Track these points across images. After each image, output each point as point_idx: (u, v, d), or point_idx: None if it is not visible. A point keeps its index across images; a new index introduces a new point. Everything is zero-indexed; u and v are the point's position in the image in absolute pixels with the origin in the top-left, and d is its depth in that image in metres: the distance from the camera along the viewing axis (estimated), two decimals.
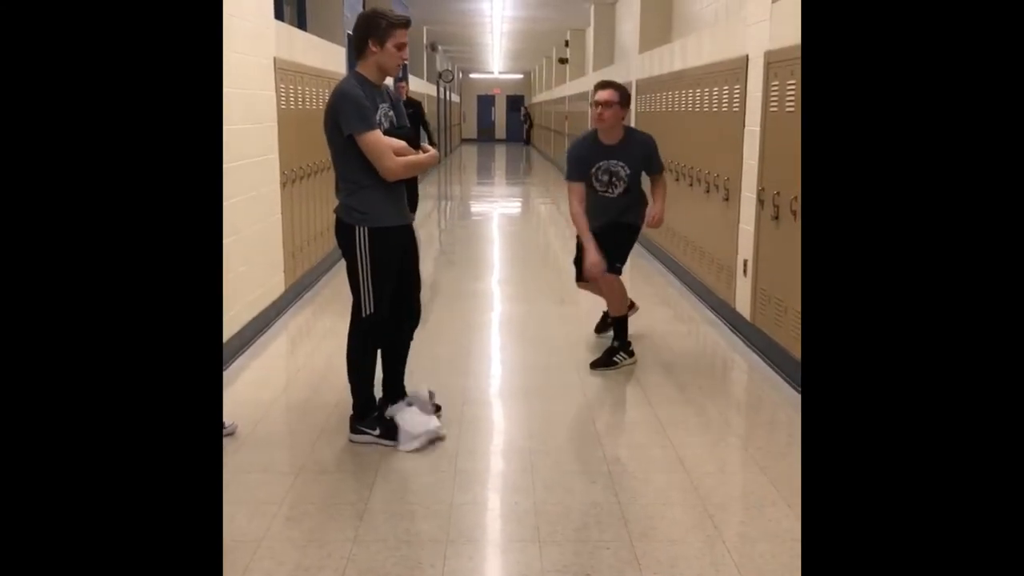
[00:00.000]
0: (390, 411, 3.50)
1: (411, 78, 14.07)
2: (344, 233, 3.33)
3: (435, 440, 3.42)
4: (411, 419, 3.44)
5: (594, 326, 5.18)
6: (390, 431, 3.42)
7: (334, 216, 3.39)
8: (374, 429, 3.43)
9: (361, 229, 3.29)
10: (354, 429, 3.46)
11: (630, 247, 4.63)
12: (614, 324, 4.64)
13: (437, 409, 3.64)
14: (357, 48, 3.36)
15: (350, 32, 9.35)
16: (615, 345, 4.55)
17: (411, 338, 3.68)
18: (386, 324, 3.44)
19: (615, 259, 4.48)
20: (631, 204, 4.51)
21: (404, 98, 8.95)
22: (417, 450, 3.35)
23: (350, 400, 3.49)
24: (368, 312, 3.35)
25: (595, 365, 4.50)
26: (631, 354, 4.56)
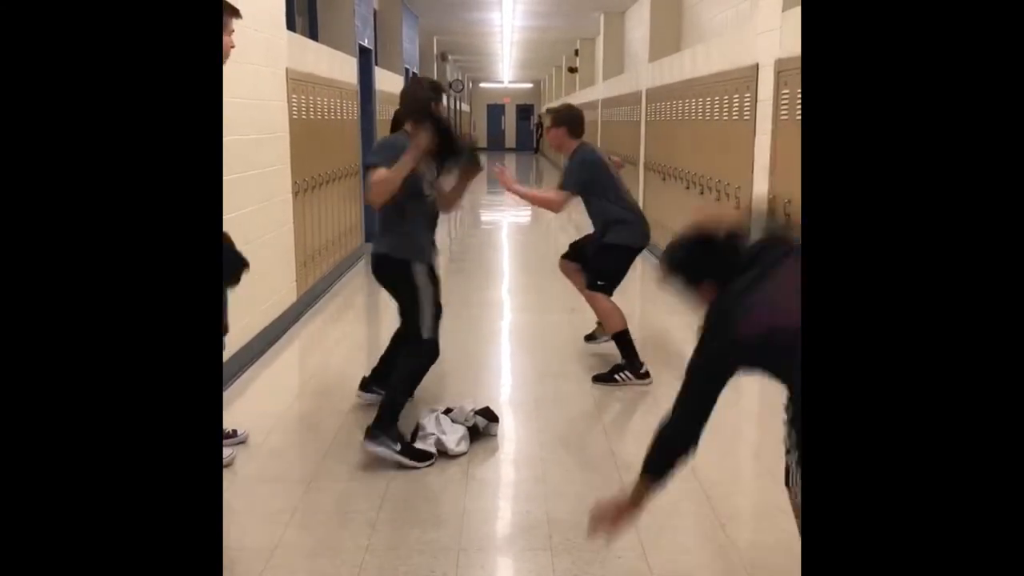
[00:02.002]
0: (426, 415, 3.54)
1: None
2: (397, 267, 3.51)
3: (440, 452, 3.39)
4: (432, 426, 3.46)
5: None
6: (412, 453, 3.33)
7: (376, 254, 3.55)
8: (396, 444, 3.32)
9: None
10: (374, 436, 3.32)
11: (612, 265, 4.49)
12: (616, 342, 4.52)
13: (492, 419, 3.64)
14: None
15: (361, 43, 9.28)
16: (621, 363, 4.44)
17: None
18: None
19: (595, 276, 4.47)
20: (605, 221, 4.43)
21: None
22: (423, 451, 3.35)
23: (361, 408, 3.51)
24: (429, 335, 3.51)
25: (597, 379, 4.41)
26: (642, 376, 4.35)
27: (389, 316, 5.86)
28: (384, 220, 3.51)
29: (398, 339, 3.90)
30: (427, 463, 3.30)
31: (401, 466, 3.26)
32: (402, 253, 3.49)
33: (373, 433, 3.31)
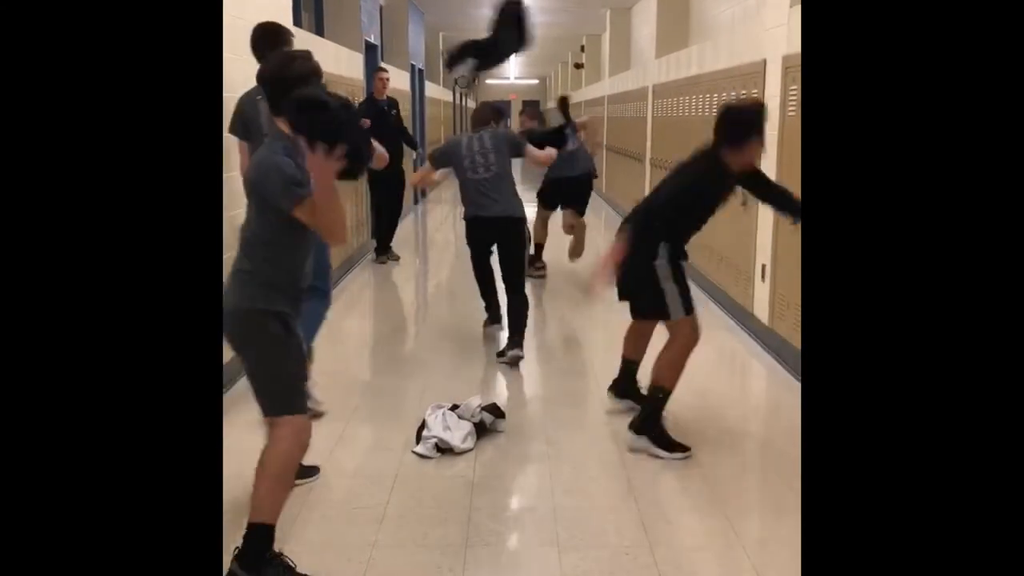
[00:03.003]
0: (431, 412, 3.55)
1: (428, 84, 14.08)
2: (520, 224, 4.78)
3: (446, 450, 3.38)
4: (438, 423, 3.46)
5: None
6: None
7: (505, 212, 4.65)
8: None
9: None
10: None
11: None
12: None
13: (499, 415, 3.64)
14: None
15: (367, 39, 9.19)
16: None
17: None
18: None
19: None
20: None
21: (384, 96, 7.52)
22: (422, 455, 3.35)
23: (370, 405, 3.51)
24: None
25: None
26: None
27: (392, 314, 5.87)
28: (501, 187, 4.68)
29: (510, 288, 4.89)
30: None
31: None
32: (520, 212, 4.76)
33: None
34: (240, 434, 3.51)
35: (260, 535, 2.38)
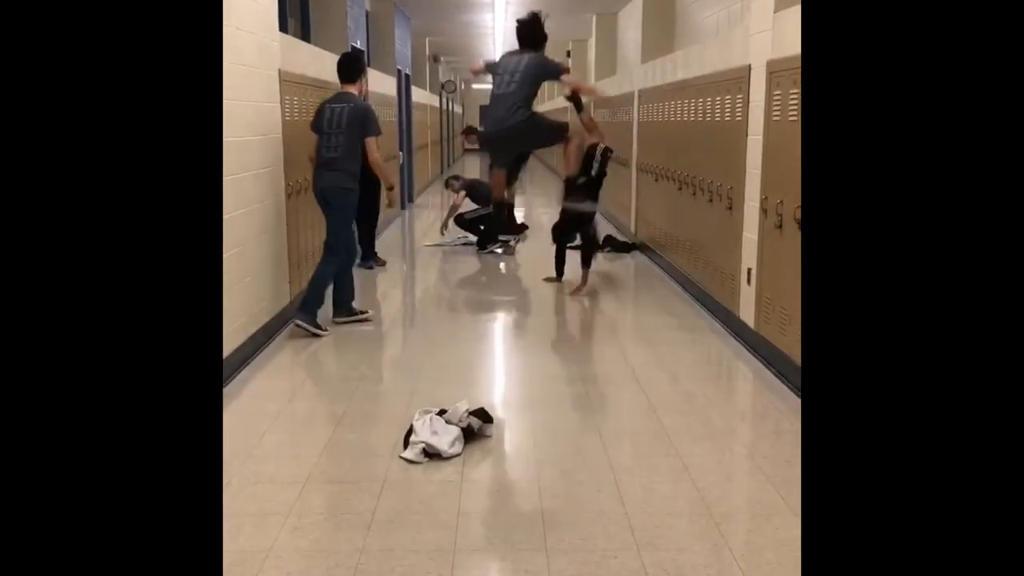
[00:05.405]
0: (419, 416, 3.53)
1: (414, 89, 14.08)
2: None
3: (434, 455, 3.38)
4: (426, 428, 3.45)
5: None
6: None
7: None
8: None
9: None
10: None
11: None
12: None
13: (487, 420, 3.64)
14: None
15: (353, 44, 9.18)
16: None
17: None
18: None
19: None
20: None
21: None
22: (411, 460, 3.35)
23: (357, 409, 3.51)
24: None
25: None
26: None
27: (379, 319, 5.87)
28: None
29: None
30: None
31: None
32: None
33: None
34: (240, 433, 3.51)
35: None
